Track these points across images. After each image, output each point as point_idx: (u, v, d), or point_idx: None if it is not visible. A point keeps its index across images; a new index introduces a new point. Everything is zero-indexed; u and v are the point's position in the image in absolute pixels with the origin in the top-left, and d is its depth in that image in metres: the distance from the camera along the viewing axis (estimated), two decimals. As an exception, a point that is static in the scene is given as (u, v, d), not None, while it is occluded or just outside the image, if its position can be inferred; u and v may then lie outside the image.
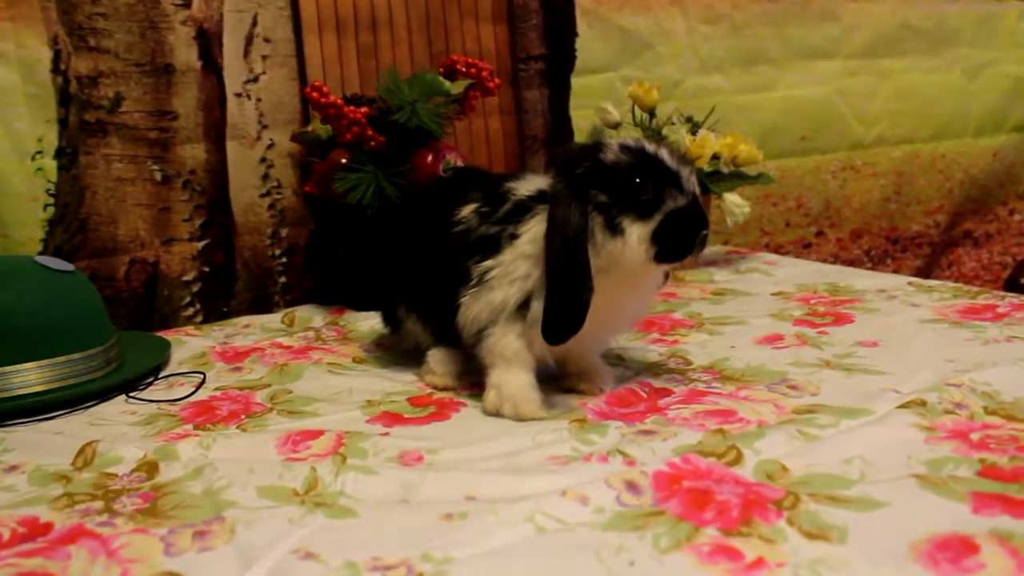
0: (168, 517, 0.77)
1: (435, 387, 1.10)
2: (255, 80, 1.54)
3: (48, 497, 0.83)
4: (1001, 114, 2.24)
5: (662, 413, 0.96)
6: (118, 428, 1.02)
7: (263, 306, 1.60)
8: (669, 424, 0.92)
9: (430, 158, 1.50)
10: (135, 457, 0.91)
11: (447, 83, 1.51)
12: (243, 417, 1.03)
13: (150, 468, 0.88)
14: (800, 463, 0.80)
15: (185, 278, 1.54)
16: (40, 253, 1.42)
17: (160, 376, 1.22)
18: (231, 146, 1.54)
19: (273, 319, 1.52)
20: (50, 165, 1.41)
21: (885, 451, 0.81)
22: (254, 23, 1.51)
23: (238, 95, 1.53)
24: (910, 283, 1.53)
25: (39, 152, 1.41)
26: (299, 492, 0.80)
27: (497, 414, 0.99)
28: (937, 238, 2.29)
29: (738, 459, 0.81)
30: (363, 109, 1.45)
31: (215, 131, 1.52)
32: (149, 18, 1.43)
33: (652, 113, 1.73)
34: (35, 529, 0.77)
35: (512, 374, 0.99)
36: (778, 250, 2.09)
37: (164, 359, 1.28)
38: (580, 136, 1.86)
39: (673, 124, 1.68)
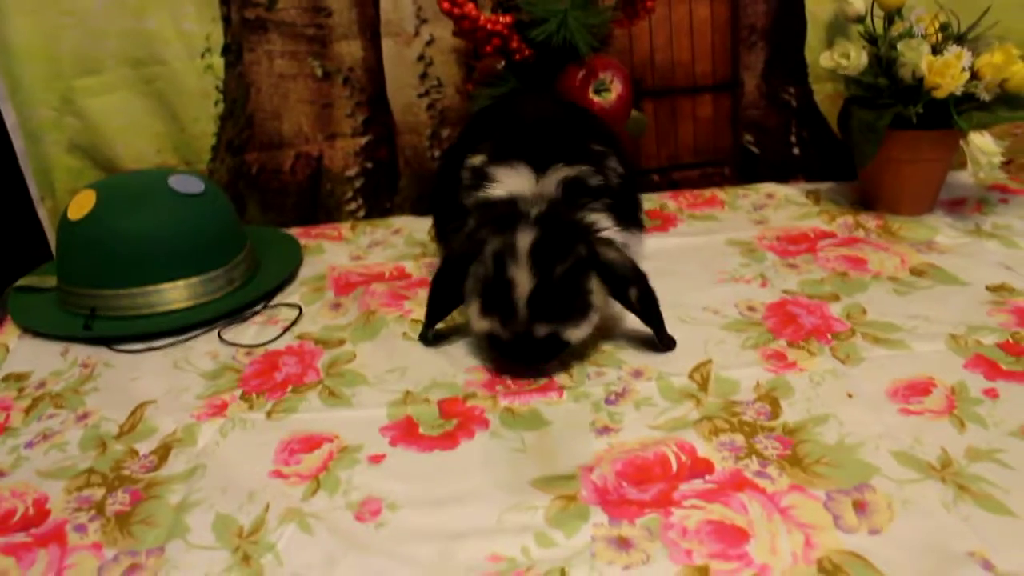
0: (128, 535, 0.82)
1: None
2: (411, -30, 1.41)
3: (75, 471, 0.91)
4: None
5: (667, 510, 0.79)
6: (187, 378, 1.08)
7: (425, 206, 1.57)
8: (660, 535, 0.77)
9: (580, 77, 1.30)
10: (166, 431, 0.97)
11: (610, -16, 1.27)
12: (289, 390, 1.05)
13: (163, 453, 0.94)
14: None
15: (348, 173, 1.54)
16: (213, 147, 1.50)
17: (269, 304, 1.27)
18: (387, 43, 1.45)
19: (424, 225, 1.49)
20: (218, 62, 1.45)
21: None
22: (409, -94, 1.35)
23: (392, -12, 1.42)
24: None
25: (207, 50, 1.44)
26: (242, 534, 0.81)
27: None
28: None
29: (674, 640, 0.67)
30: (506, 18, 1.28)
31: (370, 28, 1.44)
32: (296, -91, 1.35)
33: (894, 16, 1.32)
34: (39, 513, 0.85)
35: None
36: (1087, 180, 1.57)
37: (286, 278, 1.33)
38: (814, 27, 1.49)
39: (914, 37, 1.26)
